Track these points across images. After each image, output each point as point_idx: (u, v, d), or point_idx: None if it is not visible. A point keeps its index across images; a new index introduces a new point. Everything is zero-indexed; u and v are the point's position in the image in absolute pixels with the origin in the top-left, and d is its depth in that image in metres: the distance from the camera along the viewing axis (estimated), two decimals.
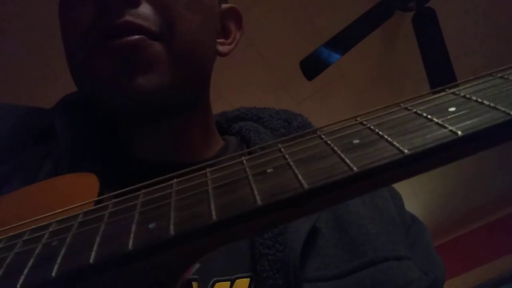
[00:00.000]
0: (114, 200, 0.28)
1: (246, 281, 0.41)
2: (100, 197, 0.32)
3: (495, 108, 0.22)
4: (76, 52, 0.46)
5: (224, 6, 0.58)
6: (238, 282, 0.41)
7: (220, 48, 0.56)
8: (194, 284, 0.40)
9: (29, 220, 0.29)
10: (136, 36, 0.42)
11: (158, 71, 0.44)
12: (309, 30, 2.02)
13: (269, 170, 0.25)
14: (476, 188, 3.10)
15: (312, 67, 1.92)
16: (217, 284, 0.40)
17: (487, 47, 2.25)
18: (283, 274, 0.40)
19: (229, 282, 0.41)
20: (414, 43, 1.93)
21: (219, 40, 0.56)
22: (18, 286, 0.22)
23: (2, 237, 0.28)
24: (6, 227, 0.29)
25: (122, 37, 0.42)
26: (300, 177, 0.23)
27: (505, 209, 3.33)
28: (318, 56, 1.89)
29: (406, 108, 0.26)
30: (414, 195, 3.04)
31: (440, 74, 1.91)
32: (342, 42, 1.88)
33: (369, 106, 2.45)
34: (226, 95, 2.09)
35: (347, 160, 0.23)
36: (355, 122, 0.26)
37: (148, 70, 0.43)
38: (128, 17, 0.42)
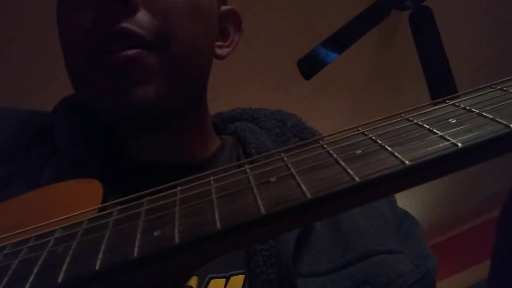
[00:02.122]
0: (118, 208, 0.28)
1: (241, 277, 0.41)
2: (104, 204, 0.33)
3: (495, 120, 0.23)
4: (74, 58, 0.46)
5: (223, 8, 0.58)
6: (233, 279, 0.41)
7: (219, 51, 0.56)
8: (194, 279, 0.40)
9: (34, 226, 0.29)
10: (133, 51, 0.42)
11: (155, 82, 0.44)
12: (306, 29, 2.02)
13: (272, 179, 0.25)
14: (474, 186, 3.11)
15: (310, 66, 1.92)
16: (212, 280, 0.41)
17: (484, 46, 2.26)
18: (277, 269, 0.40)
19: (224, 279, 0.41)
20: (411, 42, 1.93)
21: (217, 43, 0.56)
22: None
23: (7, 243, 0.28)
24: (11, 233, 0.29)
25: (120, 51, 0.42)
26: (303, 187, 0.23)
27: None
28: (316, 55, 1.89)
29: (407, 119, 0.26)
30: (412, 193, 3.05)
31: (438, 73, 1.91)
32: (339, 41, 1.89)
33: (366, 105, 2.47)
34: (223, 95, 2.09)
35: (349, 170, 0.23)
36: (357, 132, 0.27)
37: (144, 82, 0.43)
38: (125, 24, 0.42)
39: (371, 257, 0.43)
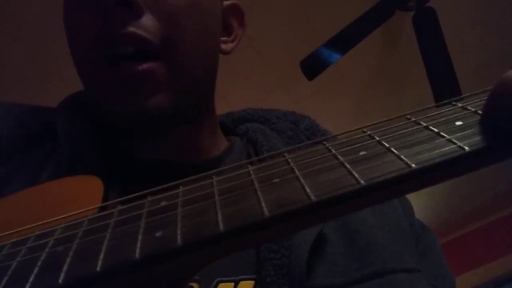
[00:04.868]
0: (119, 208, 0.27)
1: (251, 283, 0.40)
2: (105, 204, 0.32)
3: None
4: (85, 66, 0.47)
5: (226, 3, 0.57)
6: (242, 283, 0.40)
7: (223, 46, 0.56)
8: (195, 285, 0.39)
9: (33, 225, 0.29)
10: (145, 65, 0.43)
11: (167, 92, 0.45)
12: (309, 29, 2.02)
13: (276, 181, 0.25)
14: (477, 187, 3.09)
15: (312, 67, 1.92)
16: (220, 284, 0.40)
17: (487, 45, 2.25)
18: (289, 280, 0.39)
19: (233, 283, 0.40)
20: (414, 43, 1.93)
21: (222, 39, 0.56)
22: None
23: (6, 242, 0.28)
24: (10, 232, 0.29)
25: (132, 64, 0.43)
26: (308, 189, 0.23)
27: (506, 208, 3.32)
28: (318, 56, 1.89)
29: (414, 122, 0.26)
30: (415, 195, 3.04)
31: (441, 73, 1.91)
32: (343, 42, 1.88)
33: (369, 106, 2.46)
34: (225, 96, 2.08)
35: (354, 173, 0.23)
36: (363, 134, 0.26)
37: (157, 93, 0.44)
38: (131, 28, 0.43)
39: (387, 274, 0.41)
